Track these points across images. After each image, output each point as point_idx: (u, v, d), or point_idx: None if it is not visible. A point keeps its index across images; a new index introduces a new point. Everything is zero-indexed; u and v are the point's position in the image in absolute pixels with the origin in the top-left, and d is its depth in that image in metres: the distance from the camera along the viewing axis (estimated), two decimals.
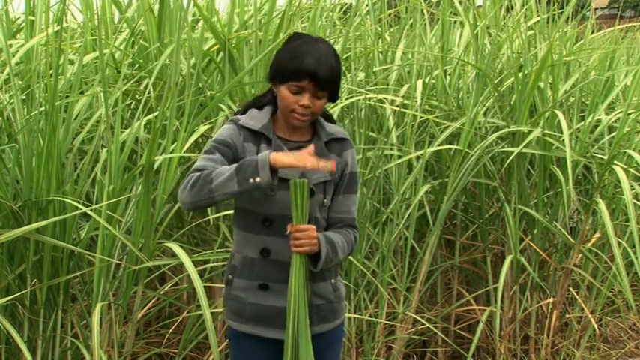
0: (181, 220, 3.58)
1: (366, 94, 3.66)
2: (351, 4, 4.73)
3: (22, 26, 3.81)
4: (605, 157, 3.87)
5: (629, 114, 3.99)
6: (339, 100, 3.63)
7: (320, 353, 2.26)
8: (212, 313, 2.97)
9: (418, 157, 3.73)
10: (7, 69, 3.03)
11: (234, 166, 2.04)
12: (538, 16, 4.60)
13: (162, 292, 3.39)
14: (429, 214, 3.79)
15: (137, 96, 3.56)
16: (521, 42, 4.18)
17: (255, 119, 2.21)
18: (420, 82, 3.84)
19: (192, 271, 2.86)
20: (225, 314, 2.33)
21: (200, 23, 4.02)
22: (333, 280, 2.28)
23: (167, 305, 3.65)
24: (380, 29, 4.54)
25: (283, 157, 2.01)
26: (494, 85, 4.00)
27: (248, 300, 2.23)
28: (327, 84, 2.11)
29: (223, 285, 3.39)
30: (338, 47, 3.91)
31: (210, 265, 3.31)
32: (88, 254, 3.00)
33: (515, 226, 3.83)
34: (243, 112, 2.28)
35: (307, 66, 2.08)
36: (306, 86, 2.11)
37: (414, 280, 3.80)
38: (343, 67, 4.12)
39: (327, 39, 3.86)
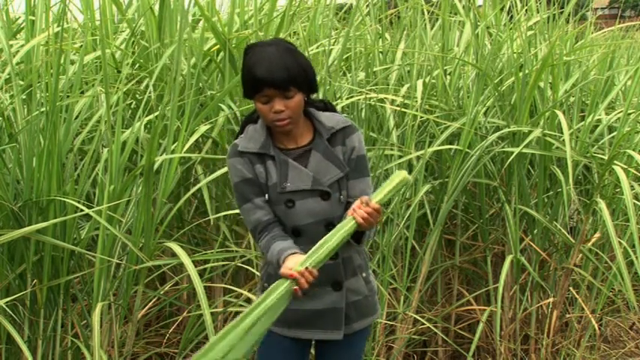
0: (182, 220, 3.58)
1: (367, 93, 3.66)
2: (351, 4, 4.73)
3: (22, 26, 3.81)
4: (606, 157, 3.86)
5: (630, 114, 3.99)
6: (339, 100, 3.64)
7: (352, 348, 2.32)
8: (212, 313, 2.97)
9: (418, 157, 3.73)
10: (7, 69, 3.03)
11: (277, 259, 2.12)
12: (538, 15, 4.60)
13: (162, 292, 3.39)
14: (429, 213, 3.79)
15: (137, 96, 3.56)
16: (521, 42, 4.18)
17: (253, 140, 2.22)
18: (420, 82, 3.84)
19: (192, 271, 2.86)
20: None
21: (200, 23, 4.02)
22: (364, 274, 2.31)
23: (167, 305, 3.65)
24: (380, 29, 4.54)
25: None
26: (494, 85, 4.00)
27: (288, 306, 2.25)
28: (287, 82, 2.10)
29: (222, 285, 3.43)
30: (338, 47, 3.91)
31: (211, 265, 3.31)
32: (88, 254, 3.01)
33: (516, 225, 3.83)
34: (242, 130, 2.30)
35: (260, 76, 2.09)
36: (270, 93, 2.11)
37: (415, 280, 3.80)
38: (343, 67, 4.16)
39: (327, 39, 3.86)
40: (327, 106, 2.31)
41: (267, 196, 2.20)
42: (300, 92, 2.15)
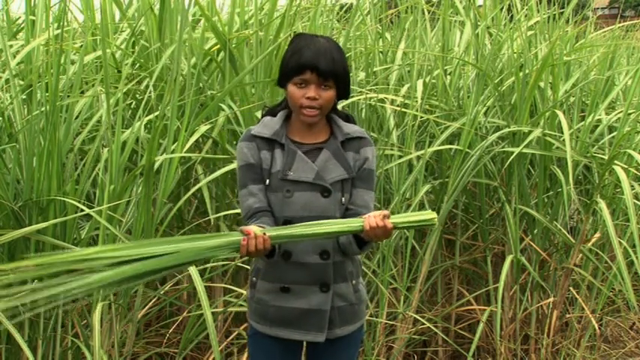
0: (182, 220, 3.58)
1: (367, 93, 3.66)
2: (351, 3, 4.73)
3: (22, 26, 3.81)
4: (606, 157, 3.86)
5: (630, 114, 3.99)
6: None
7: (338, 355, 2.28)
8: (212, 313, 2.97)
9: (418, 157, 3.73)
10: (7, 69, 3.03)
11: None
12: (539, 15, 4.60)
13: (162, 292, 3.39)
14: None
15: (138, 96, 3.56)
16: (521, 42, 4.18)
17: (267, 126, 2.23)
18: (420, 82, 3.84)
19: (192, 270, 2.86)
20: (248, 315, 2.36)
21: (201, 23, 4.02)
22: (354, 282, 2.29)
23: (167, 305, 3.65)
24: (380, 29, 4.54)
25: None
26: (494, 85, 4.00)
27: (271, 303, 2.25)
28: (330, 74, 2.13)
29: (222, 285, 3.44)
30: None
31: (211, 264, 3.31)
32: None
33: (516, 225, 3.83)
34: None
35: (307, 58, 2.12)
36: (310, 78, 2.13)
37: (415, 280, 3.80)
38: None
39: None
40: (349, 119, 2.33)
41: (267, 181, 2.20)
42: (334, 89, 2.17)
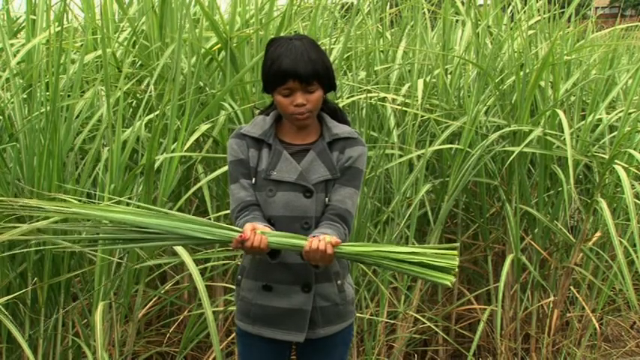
0: None
1: (368, 93, 3.66)
2: (352, 3, 4.73)
3: (22, 25, 3.81)
4: (606, 156, 3.86)
5: (630, 113, 3.99)
6: (340, 100, 3.64)
7: (325, 354, 2.27)
8: (213, 312, 2.97)
9: (419, 156, 3.73)
10: (8, 68, 3.03)
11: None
12: (539, 15, 4.60)
13: (163, 291, 3.39)
14: (429, 213, 3.79)
15: (138, 95, 3.56)
16: (522, 41, 4.18)
17: (257, 126, 2.25)
18: (421, 81, 3.84)
19: (193, 269, 2.86)
20: (235, 314, 2.36)
21: (201, 22, 4.02)
22: (339, 282, 2.27)
23: (168, 304, 3.65)
24: (381, 28, 4.54)
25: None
26: (495, 84, 4.00)
27: (254, 301, 2.25)
28: (312, 76, 2.12)
29: (223, 284, 3.44)
30: (339, 46, 3.92)
31: (212, 263, 3.31)
32: (89, 253, 3.00)
33: (516, 225, 3.83)
34: None
35: (286, 67, 2.11)
36: (293, 86, 2.13)
37: (415, 279, 3.80)
38: (344, 67, 4.16)
39: (328, 38, 3.86)
40: (338, 114, 2.31)
41: (254, 180, 2.21)
42: (320, 88, 2.17)
